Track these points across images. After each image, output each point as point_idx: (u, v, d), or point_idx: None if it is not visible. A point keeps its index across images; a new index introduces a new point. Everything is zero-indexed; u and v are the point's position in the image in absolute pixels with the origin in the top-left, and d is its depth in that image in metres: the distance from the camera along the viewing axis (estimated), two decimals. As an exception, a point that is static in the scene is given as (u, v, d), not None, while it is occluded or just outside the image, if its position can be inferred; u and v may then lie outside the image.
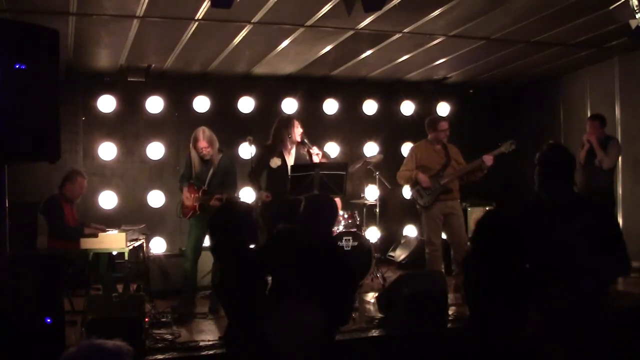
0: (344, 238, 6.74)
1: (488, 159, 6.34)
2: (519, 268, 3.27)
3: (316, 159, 6.11)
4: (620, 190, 7.84)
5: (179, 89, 8.24)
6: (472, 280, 3.40)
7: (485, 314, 3.28)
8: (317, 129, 8.36)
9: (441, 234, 6.50)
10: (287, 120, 6.23)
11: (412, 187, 6.61)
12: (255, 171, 6.09)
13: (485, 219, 3.47)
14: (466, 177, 6.58)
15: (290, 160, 6.11)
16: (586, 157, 6.73)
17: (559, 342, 3.28)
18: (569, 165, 3.53)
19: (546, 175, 3.51)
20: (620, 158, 7.28)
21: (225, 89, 8.35)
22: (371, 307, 5.79)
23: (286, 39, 6.57)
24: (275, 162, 6.05)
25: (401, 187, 8.09)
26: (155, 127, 8.16)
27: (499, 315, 3.21)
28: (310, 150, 6.14)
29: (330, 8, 5.53)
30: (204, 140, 5.84)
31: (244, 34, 6.31)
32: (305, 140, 6.16)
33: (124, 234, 5.86)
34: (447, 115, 9.09)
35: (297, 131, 6.12)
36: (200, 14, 5.62)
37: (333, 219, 4.16)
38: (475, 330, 3.37)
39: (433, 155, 6.58)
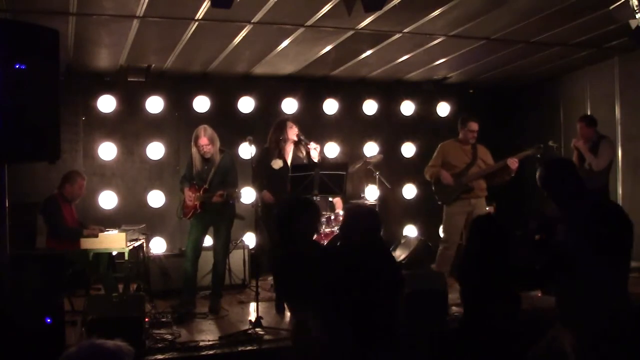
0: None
1: (512, 162, 6.32)
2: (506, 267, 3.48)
3: (314, 154, 6.08)
4: (620, 190, 7.82)
5: (179, 89, 8.23)
6: (467, 281, 3.62)
7: (480, 312, 3.46)
8: (317, 129, 8.35)
9: (459, 232, 6.53)
10: (280, 123, 6.20)
11: (435, 184, 6.64)
12: (257, 173, 6.06)
13: (478, 224, 3.72)
14: (492, 178, 6.59)
15: (290, 160, 6.11)
16: (578, 162, 6.74)
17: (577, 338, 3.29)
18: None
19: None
20: (620, 158, 7.27)
21: (225, 89, 8.34)
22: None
23: (286, 39, 6.56)
24: (277, 164, 6.05)
25: (401, 187, 8.08)
26: (155, 127, 8.15)
27: (492, 312, 3.41)
28: (308, 146, 6.10)
29: (330, 8, 5.53)
30: (205, 137, 5.84)
31: (244, 34, 6.31)
32: (302, 138, 6.13)
33: (124, 234, 5.87)
34: (449, 115, 9.10)
35: (292, 131, 6.09)
36: (200, 14, 5.62)
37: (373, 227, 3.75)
38: (470, 328, 3.52)
39: (459, 154, 6.60)
